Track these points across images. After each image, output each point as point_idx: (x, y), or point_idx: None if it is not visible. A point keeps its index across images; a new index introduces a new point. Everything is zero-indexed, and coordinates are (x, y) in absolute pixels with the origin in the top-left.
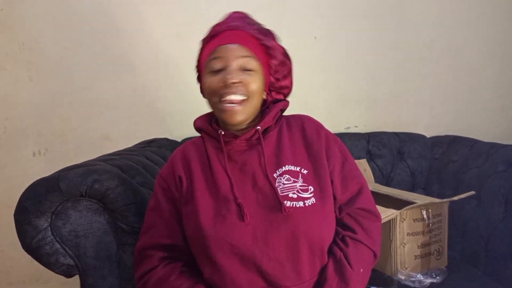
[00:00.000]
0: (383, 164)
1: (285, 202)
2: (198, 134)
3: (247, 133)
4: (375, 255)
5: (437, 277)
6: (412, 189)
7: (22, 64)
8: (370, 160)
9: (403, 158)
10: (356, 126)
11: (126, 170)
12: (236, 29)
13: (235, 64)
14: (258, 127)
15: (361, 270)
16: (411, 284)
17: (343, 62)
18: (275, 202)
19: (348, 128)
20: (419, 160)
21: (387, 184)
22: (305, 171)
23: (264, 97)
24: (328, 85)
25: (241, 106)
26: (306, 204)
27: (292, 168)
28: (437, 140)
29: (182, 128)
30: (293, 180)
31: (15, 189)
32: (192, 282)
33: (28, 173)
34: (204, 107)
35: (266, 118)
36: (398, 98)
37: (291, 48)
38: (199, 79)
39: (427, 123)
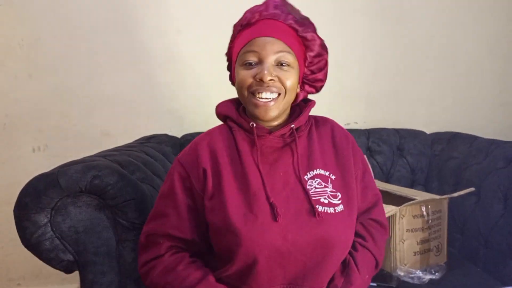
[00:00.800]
0: (383, 161)
1: (317, 206)
2: (197, 129)
3: (282, 129)
4: (377, 265)
5: (436, 274)
6: (411, 185)
7: (22, 60)
8: (370, 156)
9: (403, 154)
10: (356, 123)
11: (126, 166)
12: (272, 19)
13: (271, 59)
14: (293, 125)
15: (366, 276)
16: (410, 280)
17: (342, 59)
18: (307, 205)
19: (348, 124)
20: (419, 157)
21: (387, 180)
22: (333, 177)
23: (298, 90)
24: (328, 82)
25: (275, 102)
26: (336, 211)
27: (323, 172)
28: (437, 137)
29: (182, 124)
30: (324, 185)
31: (14, 185)
32: (202, 273)
33: (27, 169)
34: (204, 104)
35: (300, 117)
36: (398, 95)
37: None
38: (229, 67)
39: (427, 119)
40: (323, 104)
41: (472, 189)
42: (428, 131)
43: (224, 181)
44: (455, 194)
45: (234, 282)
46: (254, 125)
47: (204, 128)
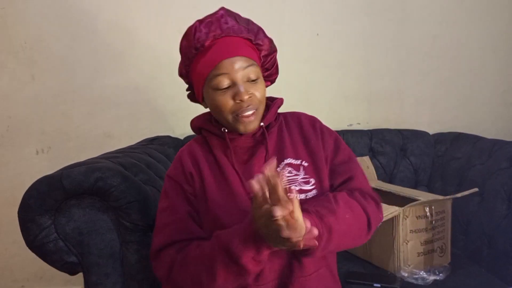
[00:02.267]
0: (386, 161)
1: (288, 195)
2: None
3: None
4: (369, 222)
5: (440, 274)
6: (415, 186)
7: (25, 62)
8: (373, 157)
9: (406, 155)
10: (359, 123)
11: (129, 168)
12: (228, 36)
13: (242, 76)
14: (262, 124)
15: (347, 216)
16: (414, 281)
17: (345, 59)
18: None
19: (351, 125)
20: (422, 157)
21: (390, 181)
22: (306, 164)
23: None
24: (330, 82)
25: (255, 115)
26: (308, 197)
27: (293, 161)
28: (440, 137)
29: (185, 126)
30: (295, 173)
31: (18, 187)
32: (211, 241)
33: (31, 171)
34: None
35: (267, 115)
36: (400, 95)
37: (293, 45)
38: (190, 88)
39: (430, 119)
40: (325, 105)
41: (476, 189)
42: (431, 131)
43: (207, 184)
44: (459, 195)
45: None
46: (226, 130)
47: None
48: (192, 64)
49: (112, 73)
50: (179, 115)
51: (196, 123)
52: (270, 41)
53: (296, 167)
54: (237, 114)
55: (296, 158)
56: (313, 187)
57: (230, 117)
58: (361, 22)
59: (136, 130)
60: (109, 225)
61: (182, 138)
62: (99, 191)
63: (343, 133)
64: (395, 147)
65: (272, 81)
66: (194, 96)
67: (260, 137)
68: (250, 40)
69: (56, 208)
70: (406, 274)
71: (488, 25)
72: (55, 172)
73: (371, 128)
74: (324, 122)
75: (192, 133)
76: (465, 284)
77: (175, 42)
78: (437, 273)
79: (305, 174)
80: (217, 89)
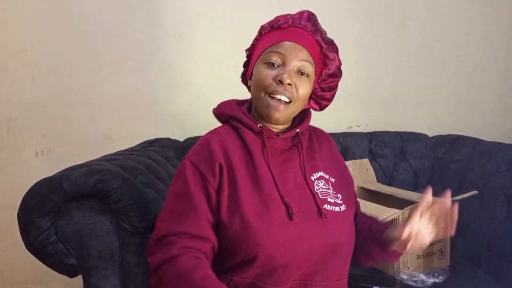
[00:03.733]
0: (385, 164)
1: (325, 206)
2: (200, 133)
3: (290, 132)
4: None
5: (440, 277)
6: (414, 188)
7: (25, 64)
8: (373, 159)
9: (406, 157)
10: (359, 126)
11: (129, 170)
12: (303, 29)
13: (294, 64)
14: (298, 129)
15: None
16: (413, 283)
17: (345, 62)
18: (315, 205)
19: (351, 127)
20: (422, 160)
21: (390, 183)
22: (333, 180)
23: (306, 103)
24: None
25: (285, 107)
26: (341, 209)
27: (324, 175)
28: (440, 140)
29: (184, 128)
30: (327, 187)
31: (18, 189)
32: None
33: (31, 173)
34: (206, 108)
35: (304, 122)
36: (400, 98)
37: None
38: (246, 63)
39: (430, 122)
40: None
41: (475, 192)
42: (430, 134)
43: (238, 180)
44: (458, 197)
45: (250, 281)
46: (262, 127)
47: (207, 132)
48: (261, 38)
49: (112, 76)
50: (178, 117)
51: (225, 111)
52: (340, 64)
53: (327, 181)
54: (270, 93)
55: (326, 173)
56: (341, 202)
57: (262, 94)
58: (362, 25)
59: (136, 132)
60: (108, 227)
61: (181, 140)
62: (99, 194)
63: (343, 135)
64: (395, 149)
65: (321, 107)
66: (245, 75)
67: (295, 141)
68: (321, 48)
69: (56, 210)
70: (405, 277)
71: (488, 29)
72: (55, 174)
73: (370, 130)
74: (324, 125)
75: (191, 135)
76: (464, 287)
77: (175, 45)
78: (437, 275)
79: (333, 190)
80: (266, 62)
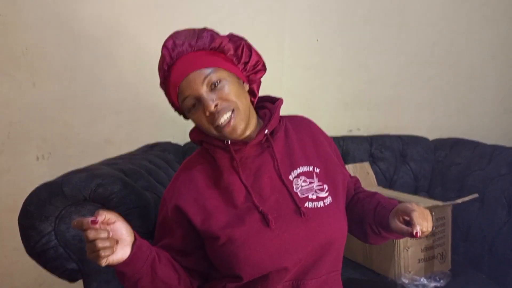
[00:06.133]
0: (386, 167)
1: (307, 203)
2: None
3: (256, 138)
4: None
5: (441, 281)
6: (415, 192)
7: (26, 69)
8: (373, 163)
9: (406, 161)
10: (359, 129)
11: (129, 174)
12: (185, 53)
13: (202, 91)
14: (266, 130)
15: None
16: (414, 287)
17: (345, 65)
18: (295, 205)
19: (351, 131)
20: (422, 163)
21: (390, 187)
22: (317, 170)
23: (247, 88)
24: (330, 88)
25: (235, 117)
26: (326, 204)
27: (306, 168)
28: (440, 143)
29: (185, 132)
30: (309, 181)
31: (18, 193)
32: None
33: (31, 178)
34: None
35: (271, 120)
36: (400, 101)
37: (293, 52)
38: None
39: (430, 125)
40: (325, 111)
41: (476, 195)
42: (430, 137)
43: (208, 205)
44: (459, 201)
45: (242, 285)
46: (229, 141)
47: None
48: (170, 98)
49: (113, 80)
50: (179, 121)
51: (196, 136)
52: (229, 36)
53: (310, 175)
54: (216, 126)
55: (308, 165)
56: (327, 194)
57: (213, 130)
58: (362, 29)
59: (137, 136)
60: None
61: (182, 144)
62: (99, 198)
63: (343, 139)
64: (395, 153)
65: (260, 70)
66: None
67: (265, 143)
68: (204, 49)
69: (57, 214)
70: (406, 281)
71: (487, 32)
72: (55, 179)
73: (371, 134)
74: (325, 128)
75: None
76: None
77: None
78: (438, 279)
79: (318, 181)
80: (189, 110)
